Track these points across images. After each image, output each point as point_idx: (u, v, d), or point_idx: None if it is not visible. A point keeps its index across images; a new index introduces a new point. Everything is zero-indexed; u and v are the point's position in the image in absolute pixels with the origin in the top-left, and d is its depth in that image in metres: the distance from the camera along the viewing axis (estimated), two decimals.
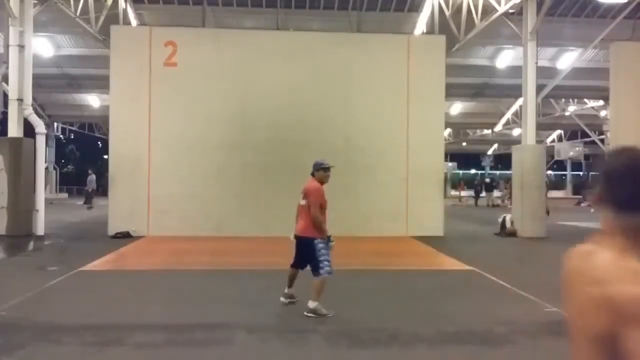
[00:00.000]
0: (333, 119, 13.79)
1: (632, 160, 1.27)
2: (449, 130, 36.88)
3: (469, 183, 41.91)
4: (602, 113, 29.44)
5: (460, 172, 50.98)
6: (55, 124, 33.68)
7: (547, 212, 20.95)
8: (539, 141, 21.85)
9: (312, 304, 5.85)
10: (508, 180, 22.72)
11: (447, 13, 16.80)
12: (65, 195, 35.30)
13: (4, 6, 12.63)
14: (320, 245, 5.94)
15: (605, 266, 1.24)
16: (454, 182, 44.32)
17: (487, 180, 33.37)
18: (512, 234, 13.94)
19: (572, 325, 1.29)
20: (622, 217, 1.27)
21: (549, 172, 29.55)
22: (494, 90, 25.58)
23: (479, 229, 16.38)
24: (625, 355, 1.16)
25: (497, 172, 46.68)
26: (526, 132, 14.20)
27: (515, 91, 18.46)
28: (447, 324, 5.74)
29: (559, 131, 39.10)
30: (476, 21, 15.97)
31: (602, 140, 30.92)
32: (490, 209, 26.47)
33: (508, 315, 6.16)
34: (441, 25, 16.94)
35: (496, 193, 28.94)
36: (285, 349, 4.93)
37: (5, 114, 13.63)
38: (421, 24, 18.45)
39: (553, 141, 40.00)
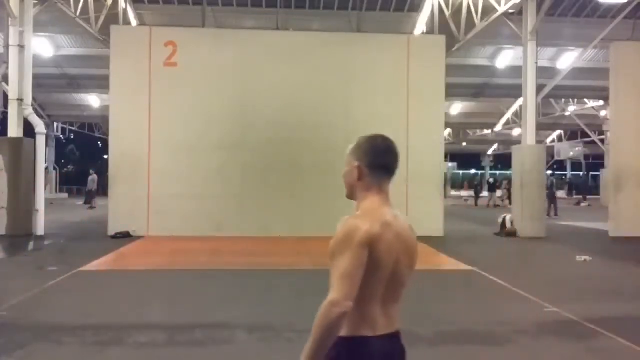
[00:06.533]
0: (333, 119, 13.77)
1: (384, 140, 1.99)
2: (449, 130, 36.88)
3: (470, 183, 42.03)
4: (602, 113, 29.45)
5: (461, 172, 51.00)
6: (55, 124, 33.70)
7: (555, 213, 20.97)
8: (539, 141, 21.80)
9: None
10: (509, 180, 22.78)
11: (447, 13, 16.81)
12: (65, 195, 35.28)
13: (4, 6, 12.63)
14: None
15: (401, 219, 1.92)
16: (455, 182, 44.37)
17: (491, 180, 33.34)
18: (512, 234, 13.93)
19: (401, 266, 1.84)
20: (380, 179, 1.93)
21: (549, 172, 29.49)
22: (494, 90, 25.60)
23: (479, 229, 16.37)
24: None
25: (497, 172, 46.70)
26: (526, 132, 14.20)
27: (515, 91, 18.46)
28: (447, 324, 5.74)
29: (559, 131, 39.10)
30: (476, 21, 15.97)
31: (602, 140, 30.93)
32: (490, 209, 26.46)
33: (508, 315, 6.16)
34: (441, 25, 16.94)
35: (499, 193, 28.91)
36: (285, 349, 4.92)
37: (5, 114, 13.63)
38: (421, 24, 18.45)
39: (553, 141, 40.00)
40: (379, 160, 1.94)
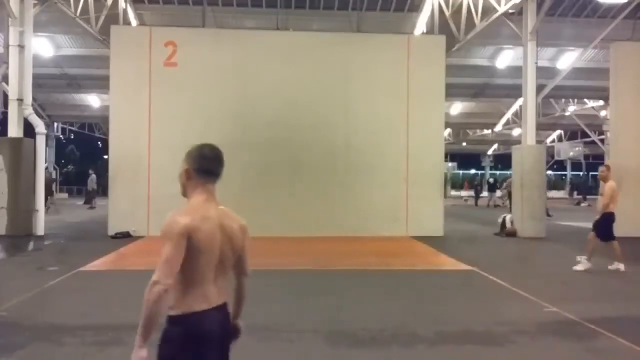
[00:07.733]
0: (333, 118, 13.78)
1: (211, 149, 2.40)
2: (449, 130, 36.87)
3: (470, 183, 42.04)
4: (602, 113, 29.43)
5: (461, 172, 51.02)
6: (55, 124, 33.66)
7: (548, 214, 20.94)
8: (539, 141, 21.82)
9: None
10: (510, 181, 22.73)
11: (447, 13, 16.80)
12: (66, 195, 35.26)
13: (4, 6, 12.63)
14: None
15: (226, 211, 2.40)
16: (455, 182, 44.34)
17: (491, 180, 33.31)
18: (512, 234, 13.93)
19: (223, 251, 2.29)
20: (205, 181, 2.37)
21: (548, 172, 29.54)
22: (494, 90, 25.58)
23: (479, 229, 16.37)
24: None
25: (497, 172, 46.71)
26: (526, 132, 14.20)
27: (515, 91, 18.46)
28: (447, 324, 5.74)
29: (559, 131, 39.08)
30: (476, 21, 15.96)
31: (602, 140, 30.89)
32: (490, 209, 26.46)
33: (508, 315, 6.16)
34: (441, 25, 16.93)
35: (498, 193, 28.93)
36: (285, 349, 4.93)
37: (5, 114, 13.63)
38: (421, 24, 18.43)
39: (553, 141, 39.98)
40: (204, 165, 2.37)
